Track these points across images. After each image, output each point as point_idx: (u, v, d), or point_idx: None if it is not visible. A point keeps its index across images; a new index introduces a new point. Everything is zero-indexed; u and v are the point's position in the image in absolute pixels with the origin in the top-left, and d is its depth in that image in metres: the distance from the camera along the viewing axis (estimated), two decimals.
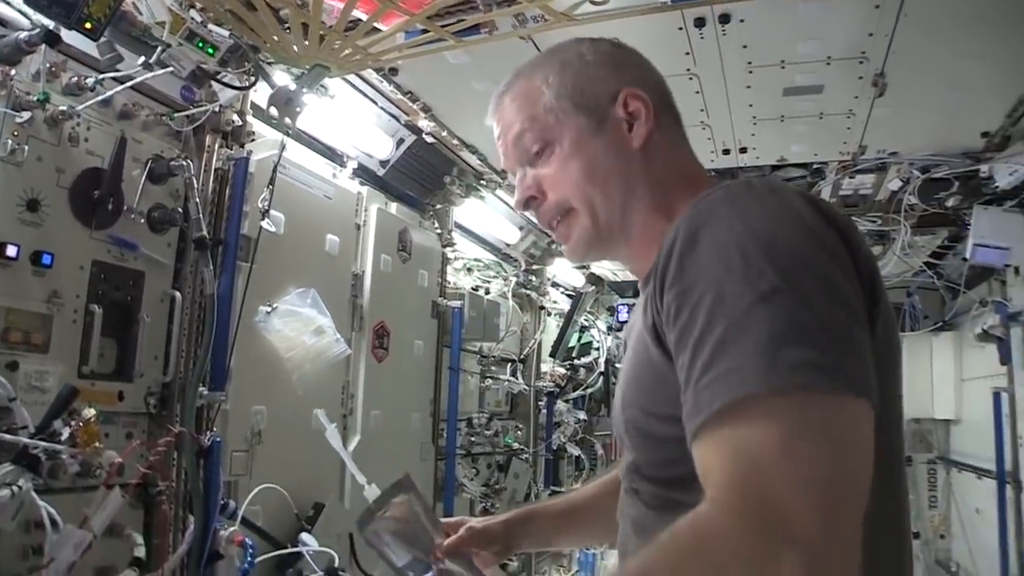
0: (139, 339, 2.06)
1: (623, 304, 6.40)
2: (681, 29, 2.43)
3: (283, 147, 2.33)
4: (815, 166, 3.77)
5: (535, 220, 1.25)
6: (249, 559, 2.06)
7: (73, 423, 1.71)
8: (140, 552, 1.94)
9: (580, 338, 6.32)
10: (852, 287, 0.86)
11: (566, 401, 5.93)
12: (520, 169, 1.20)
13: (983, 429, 4.86)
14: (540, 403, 5.46)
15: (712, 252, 0.86)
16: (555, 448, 5.60)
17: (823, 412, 0.77)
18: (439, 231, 3.93)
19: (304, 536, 2.41)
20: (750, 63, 2.67)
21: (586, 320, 6.33)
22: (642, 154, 1.12)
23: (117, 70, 1.92)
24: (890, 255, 4.57)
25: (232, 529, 2.12)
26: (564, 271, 5.86)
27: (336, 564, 2.35)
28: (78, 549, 1.70)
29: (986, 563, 4.89)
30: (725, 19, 2.37)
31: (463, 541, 1.36)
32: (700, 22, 2.35)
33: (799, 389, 0.76)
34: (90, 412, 1.74)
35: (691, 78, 2.78)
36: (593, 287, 5.96)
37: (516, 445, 4.85)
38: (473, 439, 4.37)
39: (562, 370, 5.81)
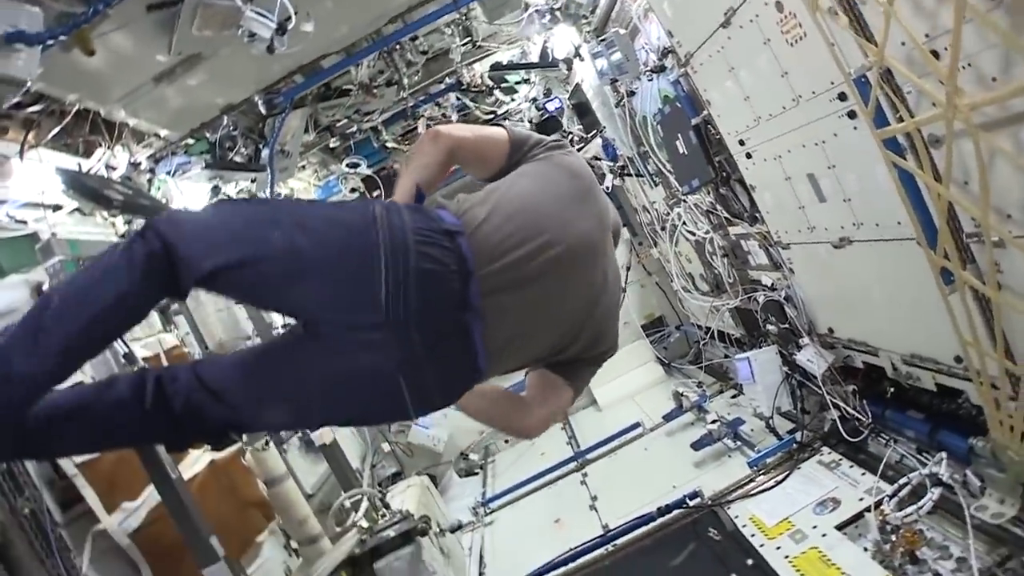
0: None
1: (551, 101, 7.00)
2: (840, 117, 3.00)
3: None
4: None
5: None
6: None
7: None
8: None
9: (515, 81, 6.82)
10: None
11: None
12: None
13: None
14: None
15: None
16: None
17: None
18: None
19: None
20: (833, 166, 3.32)
21: (528, 81, 6.83)
22: None
23: None
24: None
25: None
26: (561, 40, 6.12)
27: None
28: None
29: None
30: (852, 116, 2.95)
31: None
32: (852, 115, 2.89)
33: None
34: None
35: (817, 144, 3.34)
36: (565, 74, 6.41)
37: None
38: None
39: (490, 82, 6.32)
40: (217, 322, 3.67)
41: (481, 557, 5.13)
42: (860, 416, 4.07)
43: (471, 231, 2.02)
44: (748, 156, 4.06)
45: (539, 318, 2.17)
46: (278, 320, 5.59)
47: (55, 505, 2.81)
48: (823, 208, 3.58)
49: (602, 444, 6.15)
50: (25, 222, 3.40)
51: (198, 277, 1.82)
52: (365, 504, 4.05)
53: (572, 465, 6.06)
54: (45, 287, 2.88)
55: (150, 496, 3.03)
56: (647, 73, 4.80)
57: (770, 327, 4.74)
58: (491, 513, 5.91)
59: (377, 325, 1.89)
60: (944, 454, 3.37)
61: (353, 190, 7.12)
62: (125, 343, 2.82)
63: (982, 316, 2.71)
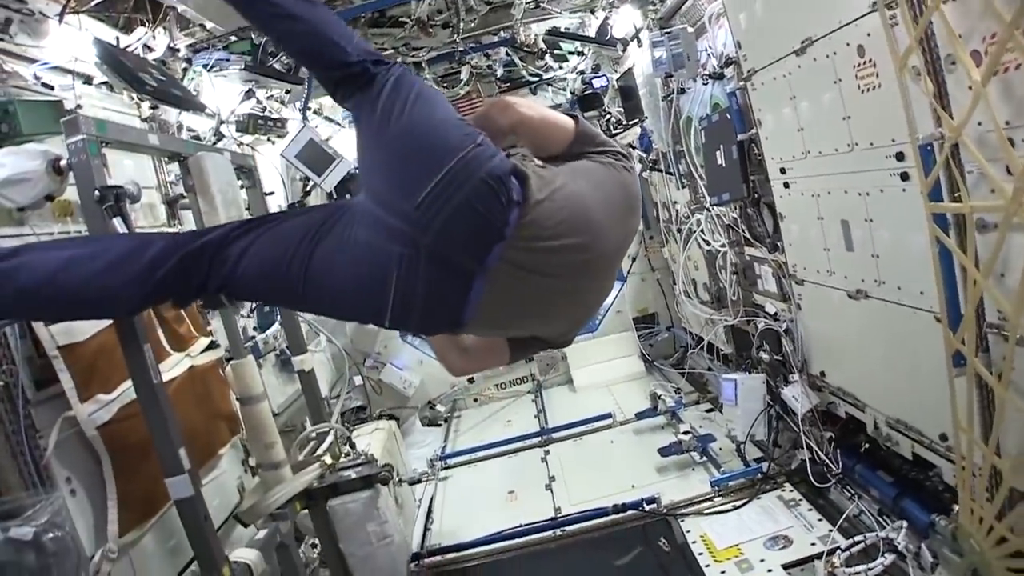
0: None
1: (598, 78, 6.85)
2: (891, 175, 2.96)
3: None
4: None
5: None
6: None
7: None
8: None
9: (568, 50, 6.75)
10: None
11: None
12: None
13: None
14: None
15: None
16: None
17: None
18: None
19: None
20: (870, 220, 3.25)
21: (582, 53, 6.73)
22: None
23: None
24: None
25: None
26: (622, 20, 5.98)
27: None
28: None
29: None
30: (904, 177, 2.90)
31: None
32: (905, 176, 2.85)
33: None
34: None
35: (860, 194, 3.27)
36: (619, 55, 6.28)
37: None
38: None
39: (543, 45, 6.22)
40: None
41: (429, 511, 5.17)
42: (830, 464, 4.09)
43: (525, 205, 2.06)
44: (786, 185, 4.01)
45: (539, 307, 2.22)
46: None
47: (30, 382, 2.78)
48: (848, 256, 3.54)
49: (570, 426, 6.18)
50: (52, 87, 3.30)
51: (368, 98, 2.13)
52: (331, 439, 4.05)
53: (536, 440, 6.10)
54: (63, 162, 2.80)
55: (125, 393, 3.00)
56: (703, 76, 4.70)
57: (763, 355, 4.73)
58: (447, 469, 5.95)
59: (404, 215, 2.00)
60: (905, 523, 3.41)
61: None
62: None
63: (980, 405, 2.69)
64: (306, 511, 3.86)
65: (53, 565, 2.55)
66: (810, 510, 4.07)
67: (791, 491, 4.32)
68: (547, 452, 5.84)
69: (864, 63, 2.93)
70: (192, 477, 2.85)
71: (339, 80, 2.17)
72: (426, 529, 4.90)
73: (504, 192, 2.02)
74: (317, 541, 4.08)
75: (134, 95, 3.84)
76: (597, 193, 2.21)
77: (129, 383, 2.88)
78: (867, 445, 3.96)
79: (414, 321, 2.17)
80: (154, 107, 4.03)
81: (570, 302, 2.29)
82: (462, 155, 2.00)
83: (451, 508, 5.23)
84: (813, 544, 3.74)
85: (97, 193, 2.64)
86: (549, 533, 4.48)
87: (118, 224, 2.66)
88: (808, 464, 4.21)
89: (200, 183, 3.50)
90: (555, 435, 6.13)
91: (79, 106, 3.32)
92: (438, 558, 4.50)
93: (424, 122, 2.06)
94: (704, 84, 4.77)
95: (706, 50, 4.70)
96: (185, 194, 3.87)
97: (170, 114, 4.26)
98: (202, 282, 2.27)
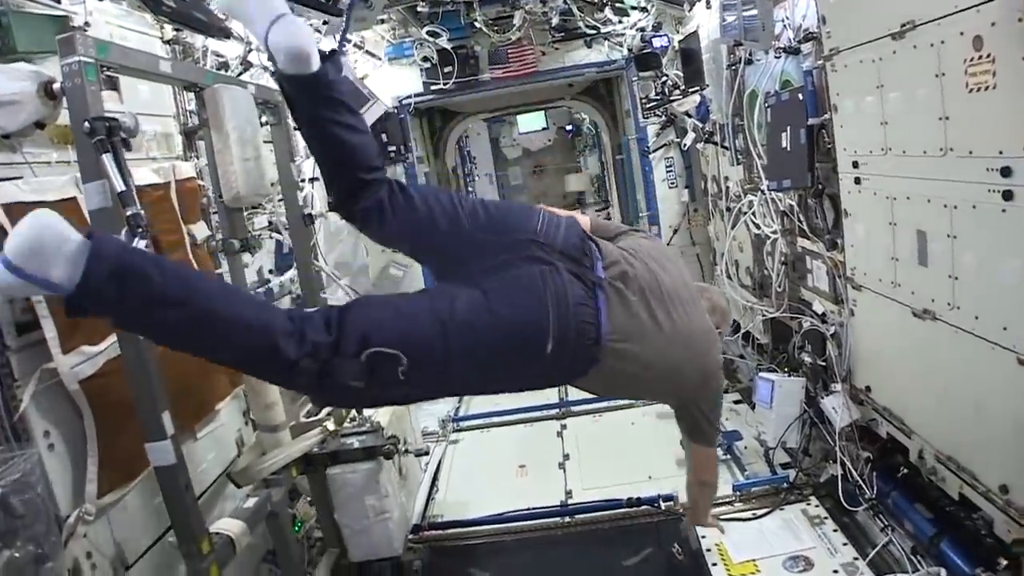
0: None
1: (659, 38, 6.36)
2: (991, 192, 2.51)
3: None
4: None
5: None
6: None
7: None
8: None
9: (630, 4, 6.35)
10: None
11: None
12: None
13: None
14: None
15: None
16: None
17: None
18: None
19: None
20: (953, 237, 2.81)
21: (644, 9, 6.27)
22: None
23: None
24: None
25: None
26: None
27: None
28: None
29: None
30: (1008, 196, 2.47)
31: None
32: (1008, 195, 2.41)
33: None
34: None
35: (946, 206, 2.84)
36: (684, 14, 5.80)
37: None
38: None
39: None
40: (241, 172, 3.25)
41: (435, 479, 4.93)
42: (864, 486, 3.75)
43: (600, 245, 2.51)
44: (856, 181, 3.56)
45: (643, 330, 2.40)
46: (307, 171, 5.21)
47: (11, 326, 2.51)
48: (920, 272, 3.12)
49: (590, 401, 5.85)
50: (59, 0, 2.94)
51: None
52: None
53: (554, 412, 5.81)
54: (56, 86, 2.47)
55: (112, 346, 2.73)
56: (776, 49, 4.22)
57: (804, 356, 4.35)
58: (458, 431, 5.71)
59: (531, 237, 2.32)
60: (944, 572, 3.07)
61: (425, 59, 6.54)
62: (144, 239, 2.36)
63: None
64: (304, 475, 3.62)
65: (20, 528, 2.34)
66: (835, 531, 3.77)
67: (817, 506, 4.01)
68: (564, 426, 5.56)
69: (979, 58, 2.46)
70: (175, 444, 2.61)
71: (364, 183, 2.30)
72: (429, 498, 4.67)
73: (582, 232, 2.48)
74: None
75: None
76: (635, 250, 2.57)
77: (115, 336, 2.61)
78: (905, 470, 3.60)
79: (570, 337, 2.23)
80: (178, 29, 3.67)
81: (663, 330, 2.44)
82: (539, 223, 2.40)
83: (458, 477, 5.00)
84: (836, 572, 3.46)
85: (87, 125, 2.32)
86: (557, 519, 4.22)
87: (107, 162, 2.34)
88: (839, 481, 3.86)
89: (215, 118, 3.18)
90: (574, 408, 5.82)
91: (87, 24, 2.96)
92: (439, 532, 4.26)
93: (497, 202, 2.53)
94: (776, 58, 4.28)
95: (783, 20, 4.19)
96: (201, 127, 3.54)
97: (196, 38, 3.89)
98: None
